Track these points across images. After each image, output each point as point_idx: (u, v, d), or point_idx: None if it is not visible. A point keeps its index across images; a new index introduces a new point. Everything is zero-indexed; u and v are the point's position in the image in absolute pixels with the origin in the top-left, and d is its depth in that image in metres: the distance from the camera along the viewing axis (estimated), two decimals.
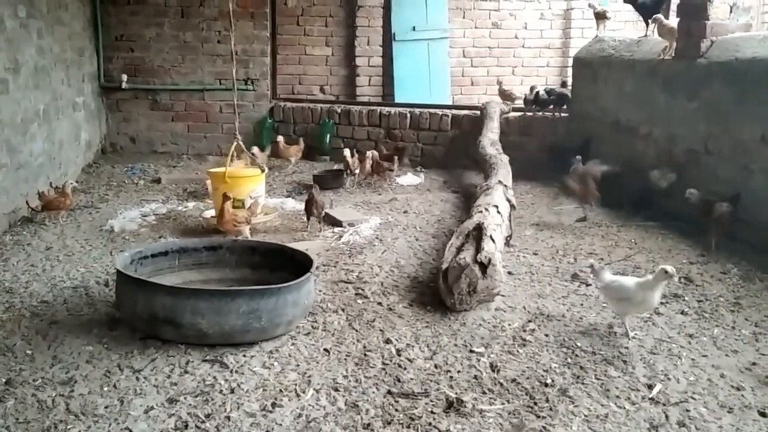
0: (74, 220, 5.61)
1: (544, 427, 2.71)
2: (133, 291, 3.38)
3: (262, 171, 5.90)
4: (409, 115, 8.45)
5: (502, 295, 4.02)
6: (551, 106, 8.07)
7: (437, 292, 3.93)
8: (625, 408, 2.86)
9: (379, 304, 3.94)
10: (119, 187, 6.93)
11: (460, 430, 2.68)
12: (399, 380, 3.05)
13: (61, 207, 5.45)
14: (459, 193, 6.89)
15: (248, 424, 2.68)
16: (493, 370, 3.15)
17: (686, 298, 4.07)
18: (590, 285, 4.29)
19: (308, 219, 5.42)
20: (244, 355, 3.24)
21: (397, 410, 2.80)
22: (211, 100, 8.82)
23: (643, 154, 6.35)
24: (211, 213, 5.68)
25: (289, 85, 10.11)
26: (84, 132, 7.69)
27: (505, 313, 3.84)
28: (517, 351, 3.36)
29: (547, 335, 3.55)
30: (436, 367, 3.18)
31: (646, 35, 6.82)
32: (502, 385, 3.03)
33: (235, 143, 5.78)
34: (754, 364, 3.27)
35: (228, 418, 2.72)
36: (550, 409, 2.84)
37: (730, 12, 5.64)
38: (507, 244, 4.91)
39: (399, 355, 3.29)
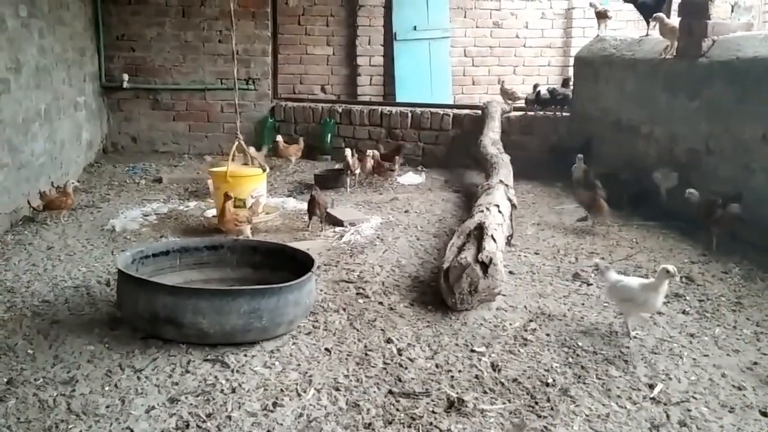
0: (75, 219, 5.62)
1: (545, 427, 2.71)
2: (134, 290, 3.38)
3: (264, 170, 5.90)
4: (410, 115, 8.45)
5: (504, 295, 4.02)
6: (553, 106, 8.06)
7: (438, 291, 3.93)
8: (626, 408, 2.86)
9: (380, 303, 3.94)
10: (120, 186, 6.94)
11: (461, 430, 2.68)
12: (400, 380, 3.05)
13: (62, 206, 5.45)
14: (460, 193, 6.89)
15: (249, 424, 2.68)
16: (495, 370, 3.15)
17: (687, 298, 4.07)
18: (591, 284, 4.29)
19: (310, 218, 5.43)
20: (245, 355, 3.24)
21: (398, 410, 2.80)
22: (212, 99, 8.82)
23: (644, 154, 6.34)
24: (212, 212, 5.69)
25: (290, 84, 10.10)
26: (85, 131, 7.70)
27: (506, 312, 3.84)
28: (519, 350, 3.36)
29: (548, 335, 3.55)
30: (437, 366, 3.18)
31: (647, 34, 6.82)
32: (503, 384, 3.03)
33: (237, 143, 5.79)
34: (755, 363, 3.27)
35: (229, 417, 2.72)
36: (552, 408, 2.83)
37: (732, 11, 5.64)
38: (508, 243, 4.91)
39: (400, 355, 3.29)
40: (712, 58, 5.47)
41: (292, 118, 8.83)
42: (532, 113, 8.22)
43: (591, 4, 8.16)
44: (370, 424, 2.70)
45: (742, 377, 3.13)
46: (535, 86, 8.35)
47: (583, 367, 3.19)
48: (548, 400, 2.89)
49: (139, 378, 3.01)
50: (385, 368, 3.15)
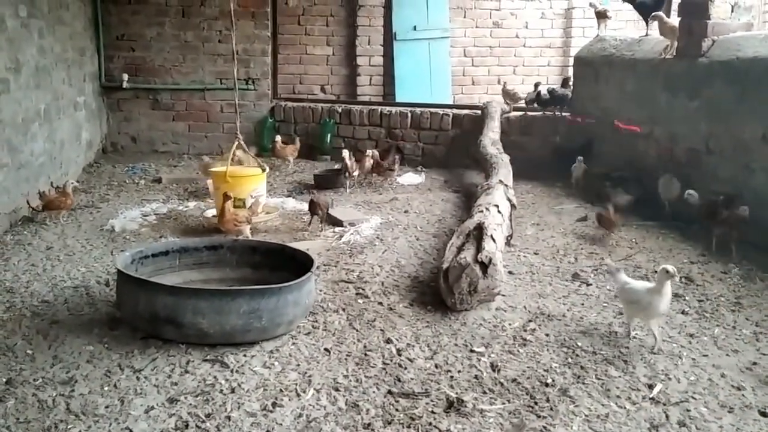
0: (75, 219, 5.62)
1: (544, 427, 2.71)
2: (134, 290, 3.38)
3: (263, 170, 5.90)
4: (410, 115, 8.45)
5: (503, 295, 4.02)
6: (553, 106, 8.05)
7: (438, 291, 3.93)
8: (625, 408, 2.86)
9: (380, 303, 3.94)
10: (120, 186, 6.94)
11: (460, 430, 2.68)
12: (399, 380, 3.05)
13: (61, 207, 5.45)
14: (460, 193, 6.89)
15: (249, 424, 2.68)
16: (494, 370, 3.15)
17: (687, 298, 4.07)
18: (591, 285, 4.30)
19: (312, 218, 5.44)
20: (245, 355, 3.24)
21: (397, 410, 2.80)
22: (212, 99, 8.82)
23: (644, 154, 6.34)
24: (212, 212, 5.69)
25: (289, 84, 10.10)
26: (85, 131, 7.70)
27: (505, 312, 3.84)
28: (518, 351, 3.36)
29: (547, 335, 3.55)
30: (436, 366, 3.18)
31: (646, 34, 6.82)
32: (502, 384, 3.03)
33: (236, 142, 5.79)
34: (754, 363, 3.27)
35: (228, 417, 2.72)
36: (551, 408, 2.83)
37: (732, 11, 5.64)
38: (508, 243, 4.91)
39: (399, 355, 3.29)
40: (712, 58, 5.47)
41: (291, 118, 8.83)
42: (532, 113, 8.22)
43: (591, 4, 8.15)
44: (369, 424, 2.70)
45: (741, 377, 3.13)
46: (536, 85, 8.35)
47: (582, 367, 3.19)
48: (547, 401, 2.89)
49: (138, 378, 3.01)
50: (384, 368, 3.15)
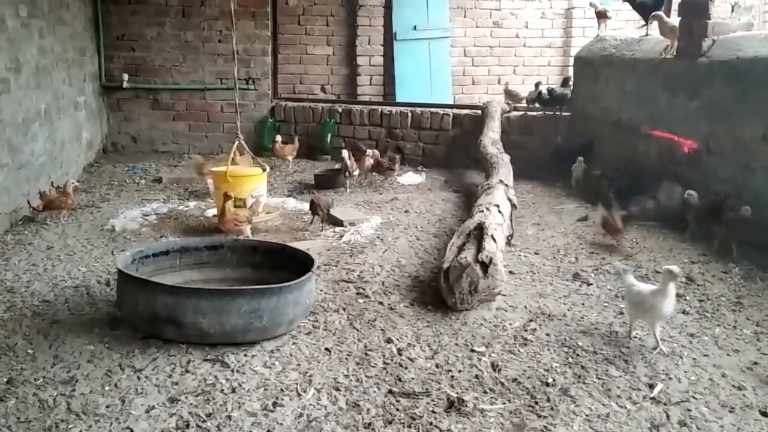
0: (75, 219, 5.62)
1: (545, 427, 2.71)
2: (134, 290, 3.38)
3: (264, 170, 5.90)
4: (410, 115, 8.45)
5: (504, 295, 4.02)
6: (554, 105, 8.05)
7: (438, 291, 3.93)
8: (626, 407, 2.85)
9: (380, 303, 3.94)
10: (120, 186, 6.94)
11: (461, 430, 2.68)
12: (400, 380, 3.05)
13: (62, 206, 5.45)
14: (460, 193, 6.89)
15: (249, 424, 2.68)
16: (495, 370, 3.15)
17: (687, 298, 4.07)
18: (591, 284, 4.30)
19: (313, 217, 5.44)
20: (246, 355, 3.24)
21: (398, 410, 2.80)
22: (212, 99, 8.82)
23: (644, 154, 6.34)
24: (213, 212, 5.69)
25: (290, 84, 10.11)
26: (85, 131, 7.70)
27: (506, 312, 3.84)
28: (519, 350, 3.36)
29: (548, 335, 3.55)
30: (437, 366, 3.18)
31: (647, 34, 6.82)
32: (503, 384, 3.03)
33: (237, 142, 5.79)
34: (755, 363, 3.27)
35: (229, 417, 2.72)
36: (552, 408, 2.83)
37: (732, 11, 5.65)
38: (508, 243, 4.90)
39: (400, 355, 3.29)
40: (713, 57, 5.47)
41: (292, 117, 8.83)
42: (532, 113, 8.22)
43: (591, 4, 8.17)
44: (370, 423, 2.70)
45: (742, 377, 3.13)
46: (537, 85, 8.35)
47: (583, 367, 3.19)
48: (548, 400, 2.89)
49: (139, 378, 3.01)
50: (385, 368, 3.15)
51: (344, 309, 3.83)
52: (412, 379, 3.06)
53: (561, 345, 3.43)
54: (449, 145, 8.29)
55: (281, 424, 2.68)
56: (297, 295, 3.38)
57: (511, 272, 4.42)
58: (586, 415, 2.79)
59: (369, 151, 7.07)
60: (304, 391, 2.92)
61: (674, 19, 6.13)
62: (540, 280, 4.38)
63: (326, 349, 3.34)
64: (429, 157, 8.34)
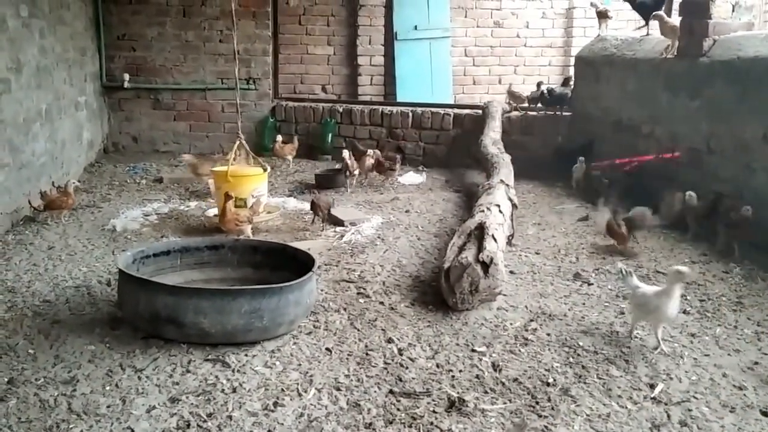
0: (76, 219, 5.62)
1: (546, 427, 2.70)
2: (135, 290, 3.38)
3: (264, 170, 5.90)
4: (410, 115, 8.45)
5: (504, 295, 4.02)
6: (556, 105, 8.04)
7: (439, 291, 3.93)
8: (627, 407, 2.85)
9: (381, 303, 3.94)
10: (121, 186, 6.94)
11: (462, 430, 2.68)
12: (401, 380, 3.05)
13: (63, 206, 5.45)
14: (461, 193, 6.89)
15: (250, 424, 2.68)
16: (495, 370, 3.15)
17: (688, 298, 4.06)
18: (592, 284, 4.29)
19: (314, 217, 5.44)
20: (246, 355, 3.24)
21: (398, 410, 2.80)
22: (213, 99, 8.83)
23: (645, 154, 6.33)
24: (214, 211, 5.69)
25: (290, 84, 10.11)
26: (86, 131, 7.70)
27: (507, 312, 3.84)
28: (519, 350, 3.36)
29: (549, 334, 3.55)
30: (437, 366, 3.18)
31: (647, 34, 6.82)
32: (503, 384, 3.03)
33: (238, 142, 5.79)
34: (756, 363, 3.26)
35: (230, 417, 2.72)
36: (552, 408, 2.83)
37: (733, 11, 5.63)
38: (509, 243, 4.90)
39: (401, 355, 3.29)
40: (713, 57, 5.47)
41: (292, 117, 8.83)
42: (533, 113, 8.21)
43: (592, 4, 8.15)
44: (370, 423, 2.70)
45: (743, 377, 3.13)
46: (539, 85, 8.34)
47: (583, 367, 3.19)
48: (549, 400, 2.89)
49: (140, 378, 3.01)
50: (385, 368, 3.15)
51: (345, 309, 3.83)
52: (413, 379, 3.06)
53: (562, 345, 3.43)
54: (450, 145, 8.29)
55: (282, 424, 2.69)
56: (298, 295, 3.38)
57: (511, 272, 4.42)
58: (587, 415, 2.79)
59: (370, 151, 7.07)
60: (305, 391, 2.93)
61: (675, 19, 6.13)
62: (541, 279, 4.38)
63: (327, 349, 3.34)
64: (430, 156, 8.34)
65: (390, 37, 10.16)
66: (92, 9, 8.16)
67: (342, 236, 5.26)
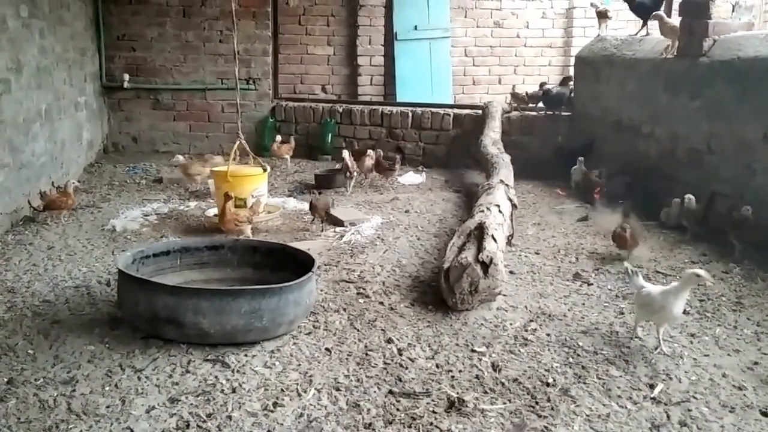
0: (76, 219, 5.62)
1: (545, 427, 2.70)
2: (134, 290, 3.38)
3: (264, 170, 5.90)
4: (410, 115, 8.44)
5: (504, 295, 4.02)
6: (554, 105, 8.03)
7: (439, 291, 3.93)
8: (626, 408, 2.85)
9: (381, 303, 3.94)
10: (121, 186, 6.94)
11: (461, 430, 2.67)
12: (400, 380, 3.05)
13: (63, 206, 5.45)
14: (461, 193, 6.89)
15: (250, 424, 2.68)
16: (495, 370, 3.15)
17: (688, 298, 4.05)
18: (592, 284, 4.29)
19: (313, 217, 5.44)
20: (246, 355, 3.24)
21: (398, 410, 2.80)
22: (213, 99, 8.83)
23: (645, 154, 6.34)
24: (214, 211, 5.69)
25: (290, 84, 10.11)
26: (86, 131, 7.70)
27: (506, 312, 3.83)
28: (519, 350, 3.36)
29: (548, 335, 3.54)
30: (437, 366, 3.18)
31: (647, 34, 6.81)
32: (503, 384, 3.02)
33: (238, 142, 5.79)
34: (756, 363, 3.26)
35: (229, 417, 2.72)
36: (552, 408, 2.83)
37: (733, 11, 5.63)
38: (509, 243, 4.90)
39: (400, 355, 3.29)
40: (713, 57, 5.47)
41: (292, 117, 8.83)
42: (533, 113, 8.20)
43: (592, 4, 8.15)
44: (370, 424, 2.70)
45: (742, 377, 3.13)
46: (541, 85, 8.33)
47: (583, 367, 3.19)
48: (549, 400, 2.89)
49: (139, 378, 3.01)
50: (385, 368, 3.15)
51: (345, 309, 3.83)
52: (413, 379, 3.06)
53: (561, 345, 3.42)
54: (450, 145, 8.29)
55: (281, 424, 2.68)
56: (297, 295, 3.38)
57: (511, 272, 4.42)
58: (587, 415, 2.78)
59: (370, 151, 7.07)
60: (305, 391, 2.92)
61: (675, 19, 6.13)
62: (540, 280, 4.38)
63: (327, 349, 3.34)
64: (429, 157, 8.34)
65: (390, 37, 10.16)
66: (92, 9, 8.17)
67: (342, 236, 5.26)
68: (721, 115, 5.33)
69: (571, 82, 8.15)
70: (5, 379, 2.98)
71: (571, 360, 3.26)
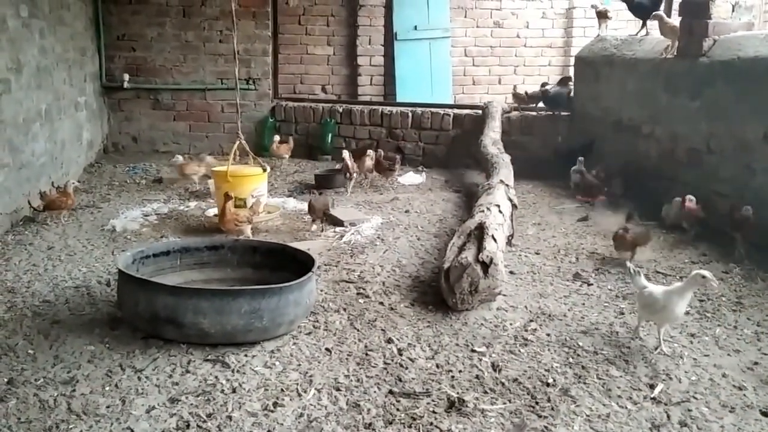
0: (76, 219, 5.62)
1: (545, 427, 2.70)
2: (134, 290, 3.38)
3: (264, 170, 5.90)
4: (410, 115, 8.44)
5: (504, 295, 4.02)
6: (553, 105, 8.03)
7: (439, 291, 3.93)
8: (626, 408, 2.85)
9: (381, 303, 3.94)
10: (121, 186, 6.94)
11: (461, 430, 2.68)
12: (400, 380, 3.05)
13: (62, 207, 5.45)
14: (461, 193, 6.89)
15: (250, 424, 2.68)
16: (495, 370, 3.15)
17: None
18: (592, 284, 4.29)
19: (313, 218, 5.44)
20: (246, 355, 3.24)
21: (398, 410, 2.80)
22: (213, 99, 8.83)
23: (645, 154, 6.34)
24: (214, 211, 5.69)
25: (290, 84, 10.10)
26: (86, 132, 7.70)
27: (506, 312, 3.83)
28: (519, 350, 3.36)
29: (548, 335, 3.54)
30: (437, 366, 3.18)
31: (647, 34, 6.81)
32: (503, 384, 3.02)
33: (238, 142, 5.79)
34: (756, 363, 3.26)
35: (229, 417, 2.72)
36: (552, 408, 2.83)
37: (732, 11, 5.64)
38: (509, 243, 4.90)
39: (400, 355, 3.29)
40: (713, 57, 5.47)
41: (292, 117, 8.83)
42: (533, 113, 8.20)
43: (592, 5, 8.15)
44: (370, 424, 2.70)
45: (742, 377, 3.13)
46: (543, 85, 8.32)
47: (583, 367, 3.19)
48: (549, 400, 2.89)
49: (139, 378, 3.01)
50: (385, 368, 3.15)
51: (345, 309, 3.83)
52: (413, 379, 3.06)
53: (561, 345, 3.43)
54: (450, 145, 8.29)
55: (282, 424, 2.69)
56: (297, 295, 3.38)
57: (511, 272, 4.42)
58: (587, 416, 2.79)
59: (370, 152, 7.07)
60: (305, 392, 2.92)
61: (675, 19, 6.13)
62: (540, 280, 4.38)
63: (327, 349, 3.34)
64: (429, 157, 8.34)
65: (390, 37, 10.16)
66: (92, 9, 8.16)
67: (342, 236, 5.26)
68: (721, 115, 5.33)
69: (570, 82, 8.15)
70: (5, 379, 2.98)
71: (571, 360, 3.26)
